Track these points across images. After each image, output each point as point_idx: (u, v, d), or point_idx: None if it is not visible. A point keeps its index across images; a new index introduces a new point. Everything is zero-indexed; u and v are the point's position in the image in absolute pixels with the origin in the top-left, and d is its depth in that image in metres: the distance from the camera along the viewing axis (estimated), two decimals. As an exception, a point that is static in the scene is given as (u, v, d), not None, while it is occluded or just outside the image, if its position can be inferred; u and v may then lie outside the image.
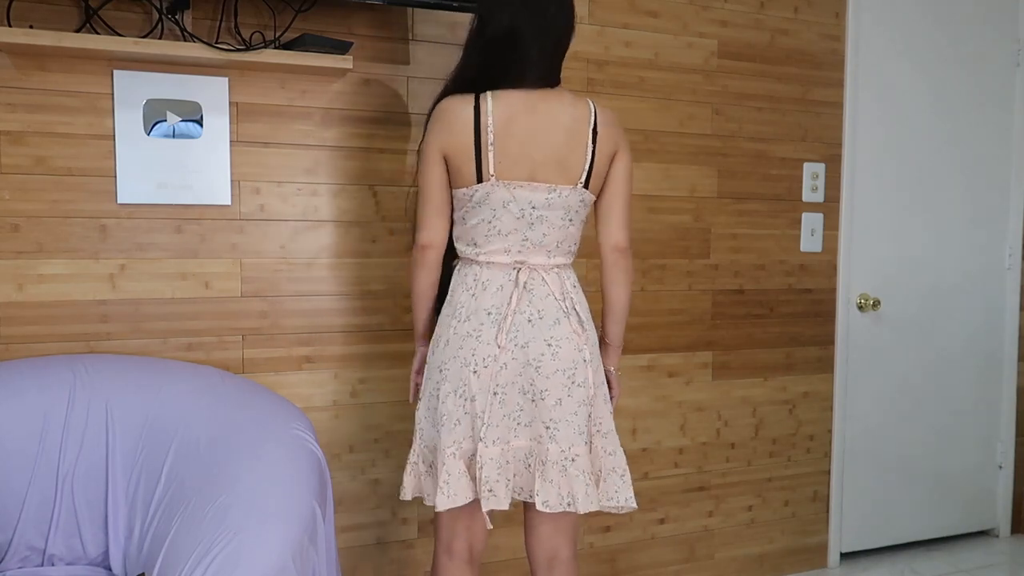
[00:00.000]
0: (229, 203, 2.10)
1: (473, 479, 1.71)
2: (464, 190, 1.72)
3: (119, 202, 2.01)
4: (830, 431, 2.89)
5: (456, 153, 1.70)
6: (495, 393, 1.70)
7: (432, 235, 1.76)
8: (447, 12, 2.20)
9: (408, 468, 1.80)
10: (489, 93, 1.70)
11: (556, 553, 1.84)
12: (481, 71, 1.73)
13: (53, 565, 1.76)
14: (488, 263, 1.74)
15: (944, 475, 3.13)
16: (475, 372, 1.70)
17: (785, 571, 2.85)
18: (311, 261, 2.19)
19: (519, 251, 1.74)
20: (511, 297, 1.72)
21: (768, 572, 2.82)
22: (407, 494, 1.80)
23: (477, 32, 1.74)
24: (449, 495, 1.69)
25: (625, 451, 2.57)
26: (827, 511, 2.91)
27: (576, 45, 2.40)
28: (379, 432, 2.29)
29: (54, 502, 1.74)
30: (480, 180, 1.70)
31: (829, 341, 2.86)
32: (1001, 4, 3.08)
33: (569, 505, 1.72)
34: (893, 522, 3.05)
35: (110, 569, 1.78)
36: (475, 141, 1.68)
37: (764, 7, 2.67)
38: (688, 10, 2.56)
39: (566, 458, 1.72)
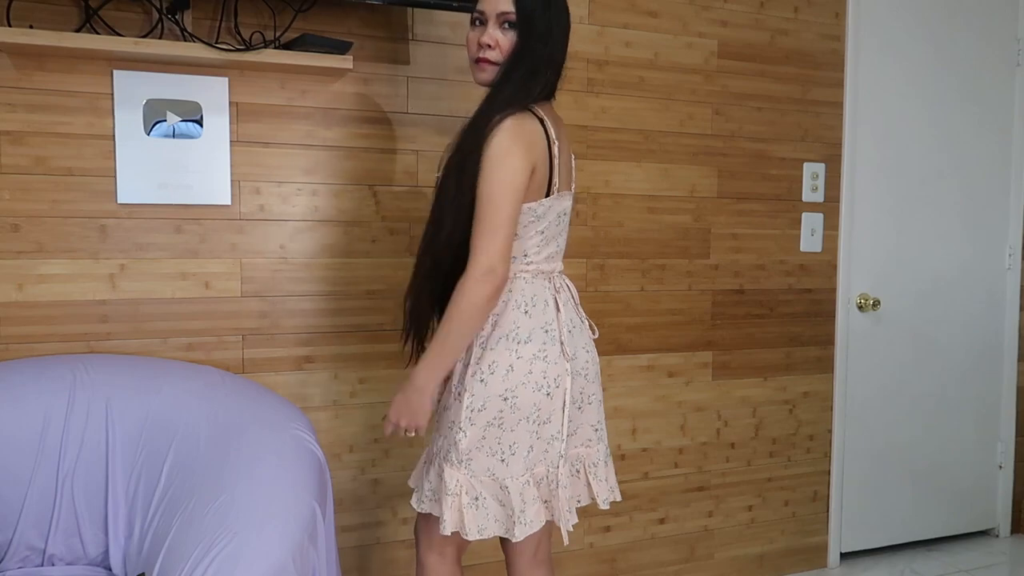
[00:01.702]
0: (229, 203, 2.10)
1: (544, 502, 1.71)
2: (536, 204, 1.65)
3: (119, 202, 2.01)
4: (830, 431, 2.89)
5: (540, 167, 1.64)
6: (565, 411, 1.69)
7: (508, 266, 1.61)
8: (447, 12, 2.20)
9: (448, 501, 1.64)
10: (536, 106, 1.67)
11: (539, 543, 1.87)
12: (541, 87, 1.66)
13: (53, 565, 1.76)
14: (535, 273, 1.70)
15: (944, 475, 3.13)
16: (548, 395, 1.65)
17: (785, 571, 2.85)
18: (311, 261, 2.19)
19: (555, 258, 1.75)
20: (559, 309, 1.71)
21: (768, 572, 2.82)
22: (448, 529, 1.64)
23: (545, 44, 1.65)
24: (527, 523, 1.65)
25: (625, 451, 2.59)
26: (827, 511, 2.91)
27: (576, 45, 2.41)
28: (379, 432, 2.28)
29: (54, 502, 1.74)
30: (548, 194, 1.67)
31: (829, 341, 2.86)
32: (1001, 3, 3.08)
33: (611, 492, 1.81)
34: (893, 522, 3.05)
35: (110, 569, 1.78)
36: (548, 154, 1.66)
37: (764, 7, 2.67)
38: (688, 10, 2.56)
39: (608, 453, 1.82)
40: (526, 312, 1.67)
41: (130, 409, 1.80)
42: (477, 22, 1.68)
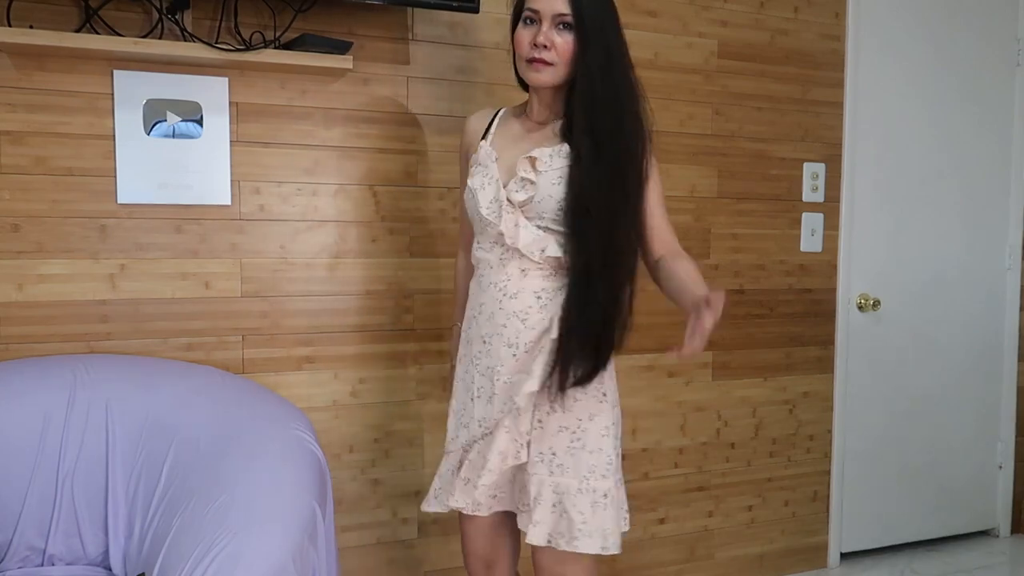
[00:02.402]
0: (229, 203, 2.10)
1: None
2: None
3: (119, 202, 2.01)
4: (830, 431, 2.89)
5: None
6: None
7: None
8: (447, 12, 2.20)
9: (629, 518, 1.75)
10: None
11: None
12: None
13: (53, 565, 1.76)
14: None
15: (944, 475, 3.13)
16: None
17: (785, 571, 2.85)
18: (311, 261, 2.19)
19: None
20: None
21: (768, 572, 2.82)
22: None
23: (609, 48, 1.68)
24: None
25: (625, 451, 2.58)
26: (827, 511, 2.91)
27: (576, 45, 2.41)
28: (379, 432, 2.28)
29: (54, 502, 1.74)
30: None
31: (829, 341, 2.86)
32: (1001, 3, 3.08)
33: None
34: (893, 522, 3.05)
35: (110, 569, 1.78)
36: None
37: (764, 7, 2.66)
38: (688, 10, 2.56)
39: None
40: None
41: (130, 409, 1.80)
42: (528, 20, 1.63)
